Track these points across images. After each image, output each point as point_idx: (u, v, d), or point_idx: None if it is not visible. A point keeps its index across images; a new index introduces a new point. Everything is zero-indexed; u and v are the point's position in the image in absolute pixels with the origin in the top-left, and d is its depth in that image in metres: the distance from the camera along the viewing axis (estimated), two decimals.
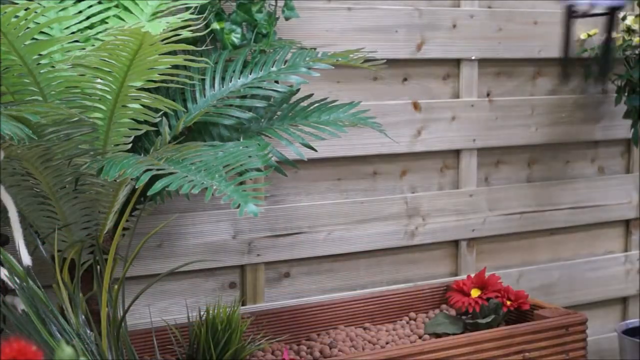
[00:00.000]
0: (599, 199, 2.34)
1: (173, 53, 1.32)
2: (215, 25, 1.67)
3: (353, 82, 1.98)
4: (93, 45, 1.47)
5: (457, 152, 2.15)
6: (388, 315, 1.94)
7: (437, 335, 1.75)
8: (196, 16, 1.50)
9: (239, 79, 1.60)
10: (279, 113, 1.60)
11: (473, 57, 2.13)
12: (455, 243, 2.15)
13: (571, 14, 1.80)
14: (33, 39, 1.29)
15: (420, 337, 1.80)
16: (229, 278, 1.91)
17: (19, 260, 1.31)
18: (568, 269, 2.31)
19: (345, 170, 2.01)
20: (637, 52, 2.16)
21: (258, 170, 1.23)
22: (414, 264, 2.10)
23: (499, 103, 2.19)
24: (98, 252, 1.40)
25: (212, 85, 1.60)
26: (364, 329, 1.88)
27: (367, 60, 1.66)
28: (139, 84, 1.32)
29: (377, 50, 1.93)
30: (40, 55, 1.30)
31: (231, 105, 1.57)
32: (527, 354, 1.61)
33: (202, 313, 1.59)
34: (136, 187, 1.30)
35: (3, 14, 1.18)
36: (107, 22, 1.54)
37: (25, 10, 1.21)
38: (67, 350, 0.91)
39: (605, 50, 1.88)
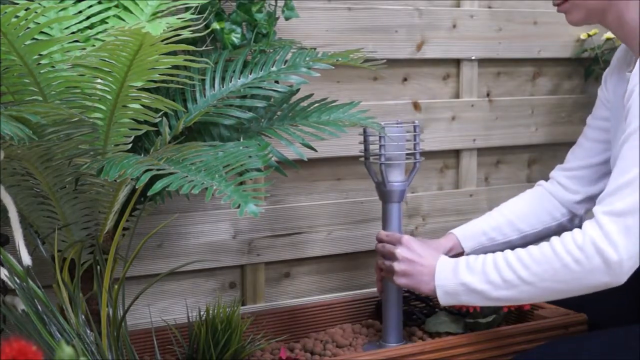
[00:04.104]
0: None
1: (173, 53, 1.32)
2: (215, 25, 1.67)
3: (353, 82, 1.98)
4: (93, 46, 1.47)
5: (457, 152, 2.15)
6: None
7: (439, 335, 1.75)
8: (196, 16, 1.50)
9: (239, 79, 1.60)
10: (279, 113, 1.60)
11: (473, 57, 2.13)
12: None
13: None
14: (33, 39, 1.29)
15: (420, 337, 1.80)
16: (229, 278, 1.91)
17: (19, 260, 1.31)
18: None
19: (345, 170, 2.01)
20: None
21: (258, 170, 1.23)
22: None
23: (499, 103, 2.19)
24: (98, 252, 1.40)
25: (212, 86, 1.60)
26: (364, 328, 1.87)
27: (367, 60, 1.66)
28: (139, 84, 1.32)
29: (377, 50, 1.93)
30: (40, 55, 1.30)
31: (231, 105, 1.57)
32: None
33: (202, 313, 1.59)
34: (136, 187, 1.30)
35: (3, 14, 1.17)
36: (107, 22, 1.54)
37: (26, 10, 1.21)
38: (67, 350, 0.91)
39: None
